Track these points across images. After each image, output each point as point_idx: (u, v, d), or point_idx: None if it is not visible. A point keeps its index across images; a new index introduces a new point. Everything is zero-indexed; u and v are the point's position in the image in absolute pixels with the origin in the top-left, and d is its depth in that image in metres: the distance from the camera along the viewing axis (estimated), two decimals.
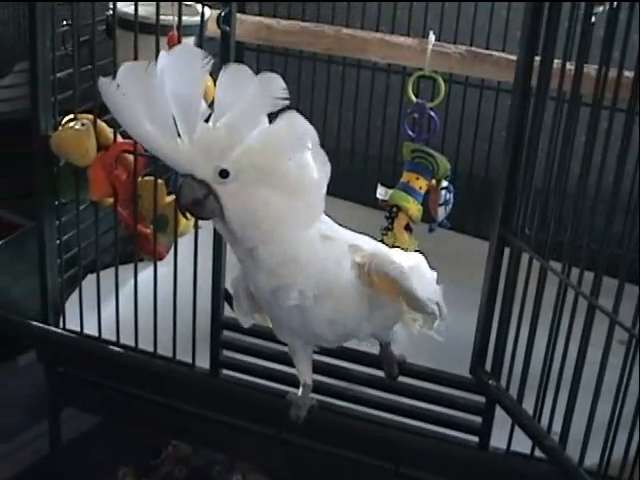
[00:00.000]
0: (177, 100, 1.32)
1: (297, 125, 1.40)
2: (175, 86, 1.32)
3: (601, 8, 1.51)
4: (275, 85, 1.37)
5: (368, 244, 1.59)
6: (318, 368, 1.92)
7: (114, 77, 1.34)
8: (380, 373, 1.90)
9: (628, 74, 1.44)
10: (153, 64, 1.33)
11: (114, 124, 1.99)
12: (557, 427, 1.67)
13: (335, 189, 2.22)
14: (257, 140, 1.38)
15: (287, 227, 1.43)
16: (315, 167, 1.44)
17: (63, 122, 2.04)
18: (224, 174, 1.37)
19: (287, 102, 1.38)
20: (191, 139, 1.35)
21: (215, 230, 1.79)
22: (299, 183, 1.42)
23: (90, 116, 2.02)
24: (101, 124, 2.03)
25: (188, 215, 2.00)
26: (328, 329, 1.58)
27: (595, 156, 1.49)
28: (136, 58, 1.89)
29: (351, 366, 1.91)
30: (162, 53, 1.35)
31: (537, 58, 1.59)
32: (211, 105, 1.39)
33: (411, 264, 1.60)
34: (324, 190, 1.46)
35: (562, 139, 1.55)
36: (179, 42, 1.87)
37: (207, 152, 1.36)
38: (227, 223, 1.42)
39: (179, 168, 1.39)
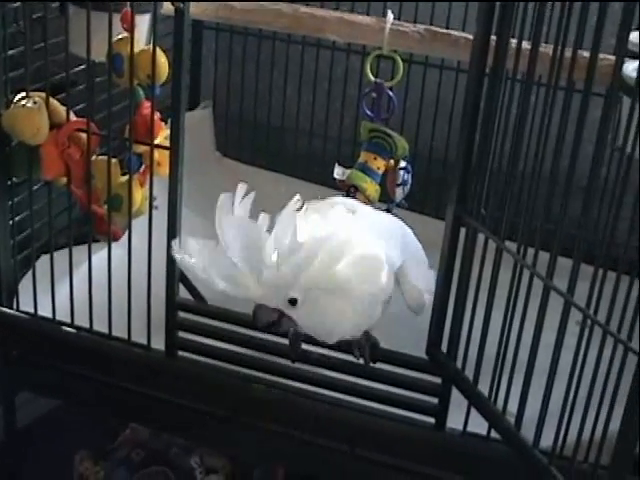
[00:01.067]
0: (242, 259, 1.47)
1: (339, 239, 1.52)
2: (238, 249, 1.46)
3: None
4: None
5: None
6: (274, 349, 1.92)
7: None
8: (333, 354, 1.89)
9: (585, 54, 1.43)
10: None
11: (66, 102, 1.97)
12: (514, 408, 1.66)
13: (294, 170, 2.21)
14: (314, 263, 1.49)
15: (355, 324, 1.62)
16: (368, 261, 1.57)
17: (15, 100, 2.00)
18: (293, 302, 1.51)
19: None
20: (260, 281, 1.48)
21: (170, 211, 1.80)
22: (359, 283, 1.54)
23: (42, 94, 1.99)
24: (54, 102, 2.00)
25: (142, 193, 2.01)
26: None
27: (552, 137, 1.48)
28: (89, 36, 1.87)
29: (306, 347, 1.90)
30: (226, 226, 1.48)
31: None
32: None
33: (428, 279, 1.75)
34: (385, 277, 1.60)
35: (516, 119, 1.54)
36: (132, 20, 1.84)
37: (277, 290, 1.50)
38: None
39: (255, 301, 1.54)
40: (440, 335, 1.82)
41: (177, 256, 1.53)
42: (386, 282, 1.60)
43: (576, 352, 1.52)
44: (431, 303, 1.76)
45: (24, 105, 1.97)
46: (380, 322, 1.83)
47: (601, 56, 1.42)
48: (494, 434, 1.75)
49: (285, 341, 1.88)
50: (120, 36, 1.93)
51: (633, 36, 1.70)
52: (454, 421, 1.85)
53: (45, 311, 2.12)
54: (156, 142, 1.93)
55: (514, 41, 1.56)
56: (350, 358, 1.88)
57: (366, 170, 2.06)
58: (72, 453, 2.56)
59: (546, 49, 1.50)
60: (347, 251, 1.52)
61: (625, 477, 1.41)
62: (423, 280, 1.73)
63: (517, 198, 1.57)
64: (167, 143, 1.89)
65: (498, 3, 1.55)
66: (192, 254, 1.51)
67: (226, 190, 1.55)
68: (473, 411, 1.77)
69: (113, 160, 1.99)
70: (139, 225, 1.99)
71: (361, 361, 1.85)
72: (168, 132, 1.89)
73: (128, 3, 1.86)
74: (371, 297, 1.59)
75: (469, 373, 1.75)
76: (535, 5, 1.48)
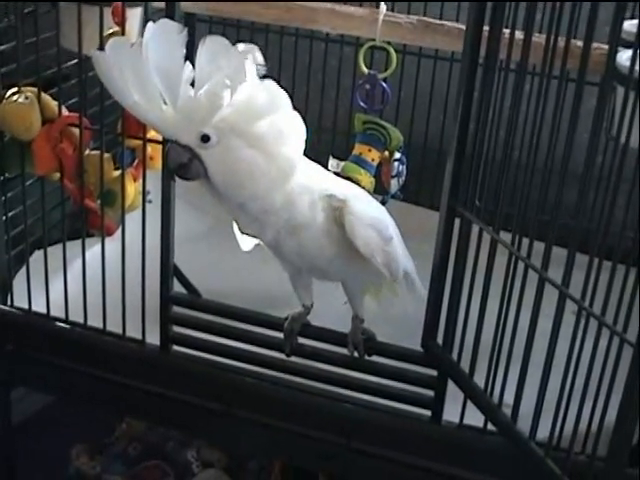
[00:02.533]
0: (159, 72, 1.42)
1: (271, 91, 1.50)
2: (157, 58, 1.42)
3: None
4: (252, 56, 1.48)
5: (342, 191, 1.67)
6: (269, 343, 1.92)
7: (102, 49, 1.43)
8: (330, 347, 1.89)
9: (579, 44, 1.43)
10: (140, 39, 1.42)
11: (58, 97, 1.96)
12: (510, 399, 1.66)
13: None
14: (235, 106, 1.47)
15: (266, 183, 1.53)
16: (289, 128, 1.55)
17: (7, 95, 1.99)
18: (205, 139, 1.47)
19: (263, 71, 1.50)
20: (174, 107, 1.44)
21: (163, 205, 1.79)
22: (276, 143, 1.51)
23: (34, 89, 1.98)
24: (46, 97, 2.00)
25: (135, 188, 2.00)
26: (298, 260, 1.70)
27: (546, 127, 1.48)
28: (80, 30, 1.86)
29: (303, 341, 1.89)
30: (148, 26, 1.43)
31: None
32: None
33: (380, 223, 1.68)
34: (299, 148, 1.58)
35: (510, 109, 1.53)
36: (123, 13, 1.83)
37: (189, 119, 1.45)
38: (212, 183, 1.52)
39: (165, 134, 1.53)
40: (435, 327, 1.81)
41: (99, 53, 1.43)
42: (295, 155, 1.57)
43: (572, 343, 1.51)
44: (391, 258, 1.68)
45: (16, 101, 1.97)
46: (375, 315, 1.84)
47: (595, 45, 1.42)
48: (490, 426, 1.75)
49: (280, 335, 1.89)
50: (111, 30, 1.92)
51: (627, 25, 1.69)
52: (450, 413, 1.85)
53: (39, 307, 2.12)
54: (148, 136, 1.92)
55: (507, 31, 1.55)
56: (345, 351, 1.87)
57: (360, 162, 2.05)
58: (68, 448, 2.57)
59: (539, 38, 1.49)
60: (275, 111, 1.50)
61: (622, 469, 1.41)
62: (371, 216, 1.66)
63: (512, 188, 1.56)
64: (160, 137, 1.88)
65: None
66: (115, 54, 1.43)
67: None
68: (469, 403, 1.77)
69: (106, 155, 1.98)
70: (133, 219, 1.99)
71: (356, 354, 1.84)
72: None
73: None
74: (286, 162, 1.54)
75: (465, 365, 1.74)
76: None
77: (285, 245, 1.65)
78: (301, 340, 1.89)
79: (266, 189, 1.53)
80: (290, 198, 1.58)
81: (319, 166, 1.70)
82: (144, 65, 1.41)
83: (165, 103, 1.45)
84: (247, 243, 1.80)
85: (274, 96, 1.51)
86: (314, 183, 1.63)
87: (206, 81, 1.44)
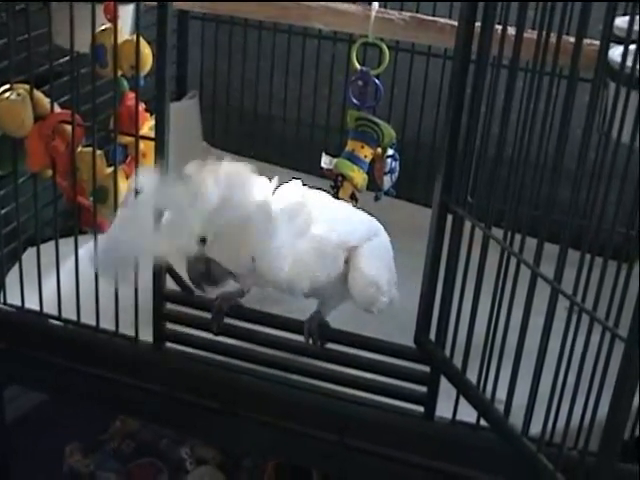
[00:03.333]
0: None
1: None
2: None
3: None
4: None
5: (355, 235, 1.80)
6: (260, 339, 1.92)
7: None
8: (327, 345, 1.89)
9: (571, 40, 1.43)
10: None
11: (50, 94, 1.95)
12: (502, 395, 1.66)
13: (282, 158, 2.21)
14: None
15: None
16: None
17: None
18: (203, 240, 1.61)
19: None
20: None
21: None
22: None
23: (26, 86, 1.97)
24: (38, 94, 1.99)
25: (127, 185, 2.00)
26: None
27: (539, 123, 1.48)
28: (72, 27, 1.85)
29: (293, 336, 1.89)
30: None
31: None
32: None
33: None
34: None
35: (503, 105, 1.53)
36: (115, 10, 1.83)
37: (186, 237, 1.62)
38: None
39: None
40: (428, 323, 1.82)
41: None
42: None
43: (564, 338, 1.51)
44: (382, 302, 1.79)
45: (8, 98, 1.96)
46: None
47: (587, 41, 1.42)
48: (483, 422, 1.75)
49: (276, 332, 1.89)
50: (103, 27, 1.92)
51: (618, 21, 1.69)
52: (443, 409, 1.85)
53: (32, 304, 2.11)
54: (141, 133, 1.92)
55: (499, 27, 1.55)
56: (338, 347, 1.88)
57: (353, 159, 2.06)
58: (62, 446, 2.56)
59: (531, 35, 1.49)
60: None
61: (613, 464, 1.41)
62: (375, 272, 1.78)
63: (504, 185, 1.57)
64: (152, 134, 1.88)
65: None
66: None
67: None
68: (462, 399, 1.77)
69: (98, 152, 1.98)
70: None
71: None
72: (153, 123, 1.88)
73: None
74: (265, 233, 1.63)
75: (457, 361, 1.75)
76: None
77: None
78: (287, 335, 1.90)
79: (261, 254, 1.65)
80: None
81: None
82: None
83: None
84: None
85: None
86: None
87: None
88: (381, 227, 1.90)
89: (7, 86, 1.98)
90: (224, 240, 1.61)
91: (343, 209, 1.88)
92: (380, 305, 1.79)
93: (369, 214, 1.94)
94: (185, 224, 1.59)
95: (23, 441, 2.54)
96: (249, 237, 1.61)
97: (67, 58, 2.00)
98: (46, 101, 1.99)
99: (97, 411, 2.52)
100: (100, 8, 1.87)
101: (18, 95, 1.96)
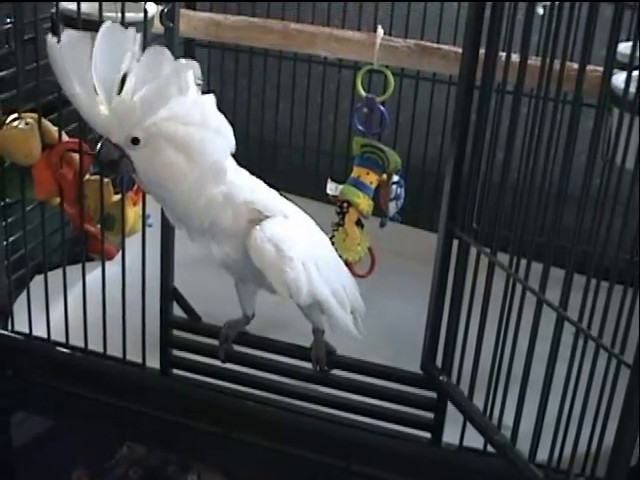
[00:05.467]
0: (102, 70, 1.49)
1: (205, 105, 1.59)
2: (104, 57, 1.49)
3: (541, 10, 1.51)
4: (189, 70, 1.54)
5: (274, 207, 1.71)
6: (268, 366, 1.92)
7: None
8: (334, 371, 1.90)
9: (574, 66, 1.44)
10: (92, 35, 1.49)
11: (58, 123, 1.97)
12: (509, 421, 1.66)
13: (287, 184, 2.22)
14: (166, 113, 1.54)
15: (187, 186, 1.59)
16: (216, 141, 1.61)
17: (7, 121, 2.00)
18: (135, 141, 1.54)
19: (199, 86, 1.57)
20: (109, 107, 1.51)
21: (163, 229, 1.80)
22: (200, 152, 1.58)
23: (35, 115, 1.99)
24: (46, 123, 2.01)
25: (135, 212, 2.01)
26: (228, 269, 1.78)
27: (543, 149, 1.49)
28: None
29: (301, 363, 1.90)
30: (103, 26, 1.50)
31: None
32: None
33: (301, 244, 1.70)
34: (224, 161, 1.64)
35: (508, 132, 1.54)
36: None
37: (121, 121, 1.52)
38: (140, 181, 1.62)
39: (98, 130, 1.56)
40: (435, 350, 1.82)
41: (52, 40, 1.51)
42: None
43: (570, 365, 1.51)
44: (291, 277, 1.64)
45: (16, 126, 1.98)
46: (375, 337, 1.84)
47: (590, 67, 1.43)
48: (490, 448, 1.75)
49: (281, 359, 1.89)
50: None
51: (622, 47, 1.70)
52: (450, 436, 1.85)
53: (40, 331, 2.12)
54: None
55: (503, 54, 1.56)
56: (344, 374, 1.88)
57: (359, 185, 2.06)
58: (69, 472, 2.56)
59: (535, 61, 1.50)
60: (206, 125, 1.58)
61: None
62: (280, 234, 1.66)
63: (509, 211, 1.57)
64: None
65: (487, 16, 1.55)
66: (68, 44, 1.50)
67: None
68: (469, 425, 1.76)
69: (105, 180, 1.99)
70: (133, 243, 1.99)
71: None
72: None
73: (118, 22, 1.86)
74: (209, 170, 1.61)
75: (464, 387, 1.75)
76: (524, 17, 1.48)
77: (215, 253, 1.72)
78: (296, 362, 1.91)
79: (187, 192, 1.60)
80: (212, 204, 1.64)
81: (259, 181, 1.75)
82: (90, 60, 1.48)
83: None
84: None
85: (207, 111, 1.59)
86: (242, 195, 1.68)
87: (142, 87, 1.51)
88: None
89: (15, 115, 2.00)
90: (157, 154, 1.55)
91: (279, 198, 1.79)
92: (288, 279, 1.63)
93: (375, 241, 1.95)
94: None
95: (30, 466, 2.53)
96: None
97: None
98: (54, 130, 2.01)
99: (104, 437, 2.52)
100: None
101: (26, 124, 1.98)
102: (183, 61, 1.52)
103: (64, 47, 1.49)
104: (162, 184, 1.59)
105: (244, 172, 1.72)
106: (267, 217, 1.67)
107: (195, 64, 1.54)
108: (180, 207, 1.64)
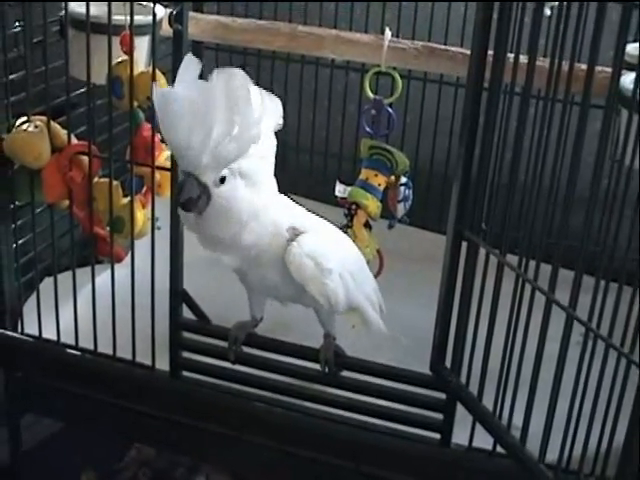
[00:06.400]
0: (220, 115, 1.47)
1: (269, 136, 1.60)
2: (222, 103, 1.47)
3: (549, 12, 1.52)
4: (277, 107, 1.59)
5: (306, 224, 1.73)
6: (276, 367, 1.93)
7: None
8: (343, 373, 1.90)
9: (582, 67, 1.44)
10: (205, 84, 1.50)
11: (67, 126, 1.98)
12: (518, 421, 1.66)
13: (296, 187, 2.22)
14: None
15: (256, 215, 1.62)
16: (271, 168, 1.65)
17: (16, 124, 2.01)
18: (223, 180, 1.54)
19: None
20: (211, 149, 1.49)
21: (172, 232, 1.80)
22: (263, 177, 1.62)
23: (44, 118, 2.00)
24: (55, 126, 2.01)
25: (144, 215, 2.02)
26: (261, 288, 1.80)
27: (552, 150, 1.49)
28: (89, 59, 1.87)
29: (309, 364, 1.90)
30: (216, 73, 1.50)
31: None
32: None
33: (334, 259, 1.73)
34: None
35: (515, 133, 1.54)
36: (131, 42, 1.85)
37: (219, 162, 1.52)
38: (204, 218, 1.58)
39: (192, 169, 1.53)
40: (444, 350, 1.82)
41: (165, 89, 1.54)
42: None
43: (579, 365, 1.52)
44: (329, 287, 1.71)
45: (25, 130, 1.98)
46: (383, 338, 1.85)
47: (598, 68, 1.43)
48: (499, 449, 1.75)
49: (291, 360, 1.89)
50: (120, 59, 1.94)
51: (630, 48, 1.70)
52: (459, 436, 1.85)
53: (49, 333, 2.13)
54: (157, 164, 1.93)
55: (511, 55, 1.56)
56: (353, 375, 1.88)
57: (367, 187, 2.06)
58: (78, 474, 2.56)
59: (543, 62, 1.51)
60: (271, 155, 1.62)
61: None
62: (316, 248, 1.70)
63: (518, 212, 1.57)
64: (168, 164, 1.89)
65: (495, 17, 1.56)
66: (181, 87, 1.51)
67: None
68: (478, 426, 1.77)
69: (114, 182, 1.99)
70: (142, 246, 2.00)
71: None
72: (169, 153, 1.90)
73: (127, 26, 1.87)
74: (266, 201, 1.63)
75: (473, 388, 1.75)
76: (532, 18, 1.48)
77: (250, 274, 1.75)
78: (304, 363, 1.91)
79: (247, 227, 1.61)
80: (264, 232, 1.65)
81: (289, 200, 1.76)
82: (209, 106, 1.46)
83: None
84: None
85: (271, 141, 1.61)
86: (285, 220, 1.70)
87: (229, 124, 1.48)
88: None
89: (25, 118, 2.01)
90: (236, 192, 1.57)
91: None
92: (328, 291, 1.71)
93: (383, 242, 1.95)
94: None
95: (39, 468, 2.53)
96: None
97: (83, 90, 2.01)
98: (63, 133, 2.02)
99: (113, 439, 2.52)
100: (116, 40, 1.89)
101: (36, 127, 1.98)
102: (268, 100, 1.55)
103: (176, 96, 1.48)
104: (235, 219, 1.59)
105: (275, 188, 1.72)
106: (301, 233, 1.70)
107: (278, 102, 1.59)
108: (229, 240, 1.63)
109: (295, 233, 1.69)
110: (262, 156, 1.58)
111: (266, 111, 1.53)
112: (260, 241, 1.65)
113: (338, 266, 1.73)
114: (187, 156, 1.51)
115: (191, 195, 1.54)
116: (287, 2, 2.76)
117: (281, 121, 1.61)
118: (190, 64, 1.53)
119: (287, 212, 1.72)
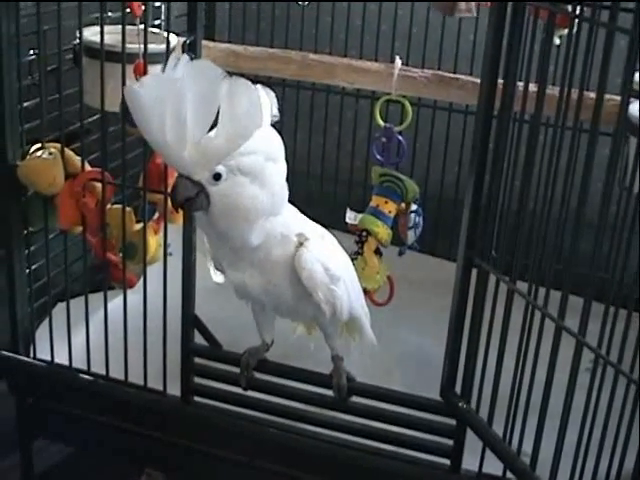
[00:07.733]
0: (192, 110, 1.44)
1: (277, 137, 1.59)
2: (193, 97, 1.43)
3: (558, 41, 1.53)
4: (270, 100, 1.56)
5: (312, 231, 1.73)
6: (287, 393, 1.93)
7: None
8: (354, 399, 1.90)
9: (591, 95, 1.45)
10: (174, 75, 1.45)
11: (81, 152, 1.99)
12: (528, 447, 1.66)
13: (305, 213, 2.24)
14: (249, 148, 1.51)
15: (264, 215, 1.60)
16: (282, 166, 1.62)
17: (31, 151, 2.03)
18: (217, 177, 1.52)
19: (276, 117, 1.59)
20: (195, 145, 1.47)
21: (184, 258, 1.81)
22: (271, 180, 1.58)
23: (58, 145, 2.01)
24: (69, 153, 2.03)
25: (156, 241, 2.03)
26: (264, 297, 1.74)
27: (561, 178, 1.50)
28: (103, 86, 1.89)
29: (320, 390, 1.90)
30: (182, 62, 1.46)
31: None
32: None
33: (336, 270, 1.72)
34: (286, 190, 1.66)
35: (524, 160, 1.56)
36: (145, 70, 1.87)
37: (206, 158, 1.49)
38: (209, 215, 1.56)
39: (180, 169, 1.52)
40: (454, 377, 1.82)
41: (133, 86, 1.46)
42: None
43: (589, 391, 1.52)
44: (336, 293, 1.71)
45: (40, 156, 2.00)
46: (394, 364, 1.85)
47: (607, 96, 1.44)
48: (509, 475, 1.75)
49: (302, 386, 1.90)
50: None
51: (638, 76, 1.72)
52: (469, 462, 1.85)
53: (61, 359, 2.14)
54: (169, 190, 1.95)
55: (521, 84, 1.58)
56: (363, 401, 1.89)
57: (378, 214, 2.07)
58: None
59: (553, 91, 1.52)
60: (279, 156, 1.59)
61: None
62: (325, 255, 1.70)
63: (527, 239, 1.58)
64: None
65: (504, 50, 1.57)
66: (148, 84, 1.46)
67: None
68: (488, 452, 1.77)
69: (127, 209, 2.01)
70: (154, 272, 2.01)
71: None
72: None
73: (140, 54, 1.90)
74: (279, 201, 1.62)
75: (483, 414, 1.75)
76: (541, 48, 1.50)
77: (254, 282, 1.70)
78: (317, 389, 1.91)
79: (260, 222, 1.60)
80: (273, 233, 1.64)
81: (294, 208, 1.74)
82: (179, 101, 1.43)
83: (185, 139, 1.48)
84: (219, 276, 1.82)
85: (274, 140, 1.59)
86: (295, 225, 1.70)
87: (226, 121, 1.47)
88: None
89: (39, 145, 2.03)
90: (236, 187, 1.54)
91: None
92: (335, 298, 1.70)
93: (394, 269, 1.96)
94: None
95: None
96: None
97: (97, 117, 2.03)
98: (77, 159, 2.03)
99: (124, 464, 2.53)
100: (130, 68, 1.91)
101: (50, 154, 2.00)
102: (262, 93, 1.51)
103: (146, 90, 1.44)
104: (241, 216, 1.56)
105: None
106: (307, 239, 1.69)
107: (272, 93, 1.57)
108: (239, 241, 1.61)
109: (302, 239, 1.68)
110: (268, 158, 1.56)
111: (256, 104, 1.46)
112: (269, 242, 1.64)
113: (342, 273, 1.73)
114: (169, 155, 1.50)
115: (188, 195, 1.52)
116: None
117: (277, 114, 1.58)
118: (174, 62, 1.48)
119: (298, 217, 1.72)
